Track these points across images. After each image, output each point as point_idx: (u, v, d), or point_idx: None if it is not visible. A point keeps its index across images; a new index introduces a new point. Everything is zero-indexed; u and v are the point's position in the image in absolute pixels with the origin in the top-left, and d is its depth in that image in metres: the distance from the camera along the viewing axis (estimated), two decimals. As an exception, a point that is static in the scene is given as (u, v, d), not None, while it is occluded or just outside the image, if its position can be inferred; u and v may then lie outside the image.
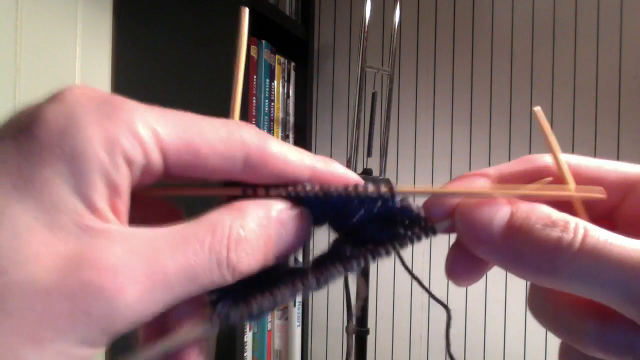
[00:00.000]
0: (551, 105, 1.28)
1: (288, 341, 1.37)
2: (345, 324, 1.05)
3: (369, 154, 1.09)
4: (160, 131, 0.19)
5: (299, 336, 1.39)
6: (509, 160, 0.24)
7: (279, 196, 0.22)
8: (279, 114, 1.34)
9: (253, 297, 0.20)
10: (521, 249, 0.19)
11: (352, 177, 0.23)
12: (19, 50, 0.89)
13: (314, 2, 1.50)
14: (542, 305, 0.22)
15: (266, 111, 1.27)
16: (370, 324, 1.42)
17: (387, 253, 0.21)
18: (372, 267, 1.40)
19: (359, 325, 1.02)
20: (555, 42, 1.29)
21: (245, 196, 0.21)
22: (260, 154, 0.21)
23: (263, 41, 1.23)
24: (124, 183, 0.18)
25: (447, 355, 0.25)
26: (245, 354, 1.09)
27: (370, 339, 1.04)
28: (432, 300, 1.38)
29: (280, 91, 1.34)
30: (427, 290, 0.27)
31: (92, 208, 0.17)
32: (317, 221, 0.23)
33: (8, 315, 0.15)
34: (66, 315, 0.16)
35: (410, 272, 0.26)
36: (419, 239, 0.22)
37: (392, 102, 1.14)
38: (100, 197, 0.18)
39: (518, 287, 1.31)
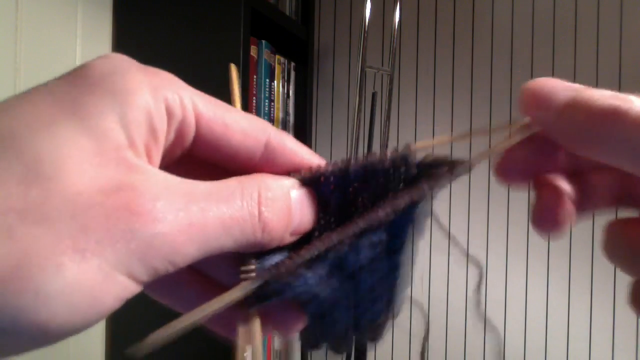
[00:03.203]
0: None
1: (288, 342, 1.37)
2: (345, 324, 1.05)
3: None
4: (195, 96, 0.20)
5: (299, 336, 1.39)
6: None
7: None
8: (279, 114, 1.34)
9: (289, 257, 0.20)
10: (580, 113, 0.20)
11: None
12: (19, 50, 0.89)
13: (314, 2, 1.50)
14: (619, 245, 0.22)
15: (266, 111, 1.27)
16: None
17: (424, 192, 0.21)
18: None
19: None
20: (555, 42, 1.29)
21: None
22: (280, 140, 0.22)
23: (263, 41, 1.23)
24: (162, 130, 0.19)
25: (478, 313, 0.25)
26: (245, 354, 1.09)
27: (370, 339, 1.04)
28: (432, 300, 1.39)
29: (280, 91, 1.34)
30: (461, 247, 0.27)
31: (131, 142, 0.18)
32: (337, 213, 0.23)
33: (51, 220, 0.15)
34: (107, 231, 0.16)
35: (446, 232, 0.26)
36: (456, 174, 0.21)
37: (392, 102, 1.14)
38: (139, 135, 0.18)
39: (518, 287, 1.31)
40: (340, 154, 1.50)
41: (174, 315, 0.21)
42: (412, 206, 0.21)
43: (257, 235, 0.19)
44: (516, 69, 1.32)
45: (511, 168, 0.24)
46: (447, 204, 1.37)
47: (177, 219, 0.17)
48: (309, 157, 0.23)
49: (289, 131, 1.40)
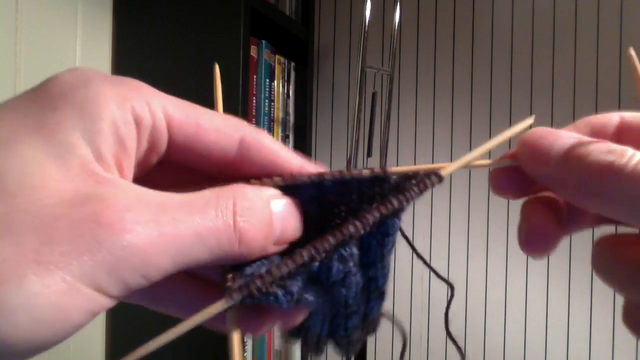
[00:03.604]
0: (551, 105, 1.28)
1: (288, 341, 1.37)
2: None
3: (369, 154, 1.09)
4: (165, 101, 0.20)
5: (299, 336, 1.39)
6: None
7: (275, 185, 0.22)
8: (279, 114, 1.34)
9: (270, 269, 0.20)
10: (575, 169, 0.20)
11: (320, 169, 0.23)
12: (19, 50, 0.89)
13: (314, 2, 1.50)
14: (609, 263, 0.22)
15: (266, 111, 1.27)
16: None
17: (400, 204, 0.21)
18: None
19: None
20: (555, 42, 1.29)
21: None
22: (255, 138, 0.21)
23: (263, 41, 1.23)
24: (131, 140, 0.18)
25: (446, 333, 0.25)
26: (245, 354, 1.09)
27: (370, 339, 1.04)
28: (431, 301, 1.38)
29: (280, 91, 1.34)
30: (429, 266, 0.26)
31: (97, 156, 0.17)
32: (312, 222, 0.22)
33: (15, 234, 0.15)
34: (72, 243, 0.15)
35: (412, 246, 0.26)
36: (425, 187, 0.21)
37: (392, 102, 1.14)
38: (107, 148, 0.18)
39: (518, 288, 1.31)
40: (340, 154, 1.50)
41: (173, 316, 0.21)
42: (382, 221, 0.21)
43: (234, 247, 0.19)
44: (516, 69, 1.32)
45: (504, 181, 0.24)
46: (447, 204, 1.37)
47: (147, 229, 0.16)
48: (288, 156, 0.22)
49: (289, 131, 1.40)
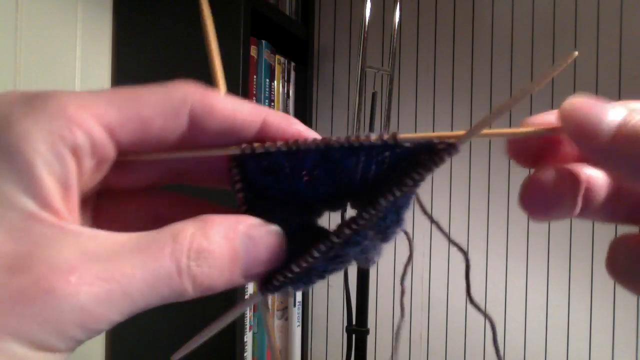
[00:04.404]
0: (551, 106, 1.28)
1: (288, 341, 1.37)
2: (345, 324, 1.05)
3: (369, 154, 1.09)
4: (96, 108, 0.18)
5: (299, 336, 1.39)
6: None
7: (277, 150, 0.21)
8: (279, 114, 1.33)
9: (290, 262, 0.20)
10: (632, 148, 0.18)
11: (311, 133, 0.22)
12: (19, 50, 0.89)
13: (314, 2, 1.50)
14: (632, 265, 0.20)
15: (266, 111, 1.27)
16: (370, 324, 1.42)
17: (414, 181, 0.20)
18: (372, 268, 1.40)
19: (358, 325, 1.02)
20: (555, 42, 1.29)
21: (243, 155, 0.21)
22: (204, 103, 0.20)
23: (263, 41, 1.23)
24: (71, 173, 0.17)
25: (468, 299, 0.25)
26: (245, 354, 1.09)
27: (370, 339, 1.04)
28: (432, 301, 1.38)
29: (280, 91, 1.34)
30: (447, 236, 0.26)
31: (43, 205, 0.16)
32: (322, 191, 0.22)
33: None
34: (14, 313, 0.15)
35: (429, 215, 0.25)
36: (441, 159, 0.20)
37: (392, 102, 1.14)
38: (52, 193, 0.17)
39: (518, 288, 1.31)
40: (340, 154, 1.49)
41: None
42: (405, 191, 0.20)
43: (188, 291, 0.18)
44: (516, 69, 1.32)
45: (522, 148, 0.22)
46: (447, 204, 1.37)
47: (94, 289, 0.16)
48: (246, 107, 0.21)
49: (289, 131, 1.40)
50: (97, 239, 0.17)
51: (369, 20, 1.01)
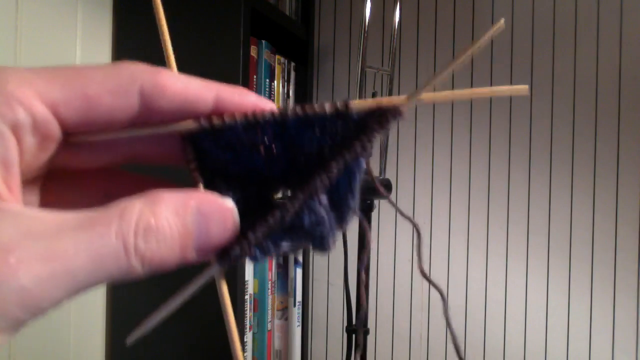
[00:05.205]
0: (551, 105, 1.28)
1: (288, 341, 1.37)
2: (345, 324, 1.05)
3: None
4: (38, 85, 0.17)
5: (299, 336, 1.39)
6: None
7: (232, 122, 0.21)
8: (279, 114, 1.33)
9: (248, 235, 0.20)
10: None
11: (267, 104, 0.22)
12: (19, 50, 0.89)
13: (314, 2, 1.50)
14: None
15: (266, 111, 1.27)
16: (370, 324, 1.42)
17: (362, 143, 0.21)
18: (372, 267, 1.40)
19: (358, 325, 1.02)
20: (555, 42, 1.29)
21: (198, 130, 0.21)
22: (155, 81, 0.19)
23: (263, 41, 1.23)
24: (12, 151, 0.17)
25: (419, 271, 0.25)
26: (245, 354, 1.09)
27: (370, 339, 1.04)
28: (432, 301, 1.38)
29: (280, 91, 1.34)
30: (394, 206, 0.26)
31: None
32: (275, 164, 0.22)
33: None
34: None
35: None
36: (387, 121, 0.21)
37: (392, 102, 1.14)
38: None
39: (518, 288, 1.31)
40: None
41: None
42: (348, 165, 0.21)
43: (137, 269, 0.17)
44: (516, 69, 1.32)
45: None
46: (447, 204, 1.37)
47: (36, 269, 0.15)
48: (197, 83, 0.21)
49: (289, 131, 1.40)
50: (39, 218, 0.16)
51: (369, 20, 1.01)
